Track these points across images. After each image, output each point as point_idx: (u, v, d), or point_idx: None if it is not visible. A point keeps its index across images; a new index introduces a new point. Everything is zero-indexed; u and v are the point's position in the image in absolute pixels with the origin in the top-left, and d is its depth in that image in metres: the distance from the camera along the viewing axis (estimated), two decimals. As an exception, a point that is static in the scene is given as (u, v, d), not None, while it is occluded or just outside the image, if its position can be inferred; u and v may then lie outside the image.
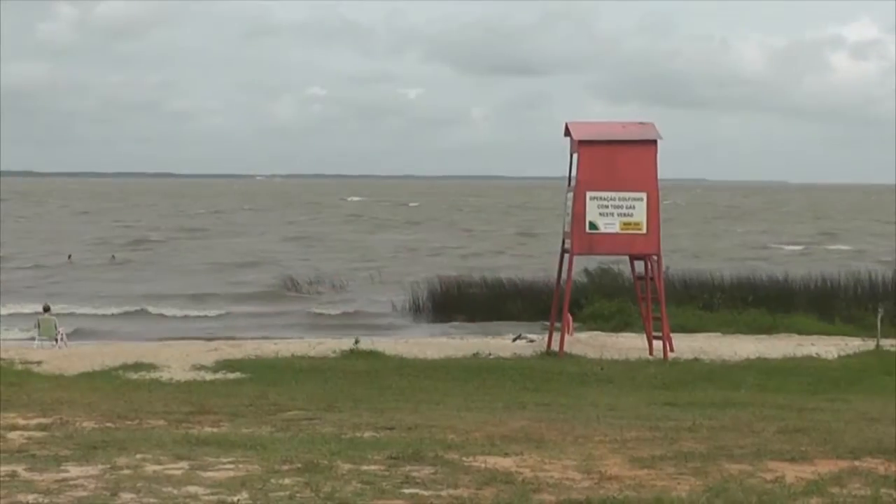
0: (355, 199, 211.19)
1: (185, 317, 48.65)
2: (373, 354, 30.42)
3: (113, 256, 76.90)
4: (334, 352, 30.91)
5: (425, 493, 10.30)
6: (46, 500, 9.43)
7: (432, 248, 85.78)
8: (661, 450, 13.09)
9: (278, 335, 40.31)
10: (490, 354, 31.01)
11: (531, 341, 34.67)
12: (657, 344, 31.50)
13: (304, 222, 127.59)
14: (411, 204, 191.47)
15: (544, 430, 15.16)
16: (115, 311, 48.67)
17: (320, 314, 49.11)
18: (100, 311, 48.42)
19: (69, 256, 76.09)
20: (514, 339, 35.80)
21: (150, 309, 49.46)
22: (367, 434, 14.86)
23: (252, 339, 37.93)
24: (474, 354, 31.01)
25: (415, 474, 11.07)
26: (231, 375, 26.62)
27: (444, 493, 10.35)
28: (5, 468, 10.96)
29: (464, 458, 12.15)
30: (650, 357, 30.92)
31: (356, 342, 32.11)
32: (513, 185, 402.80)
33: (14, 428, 15.72)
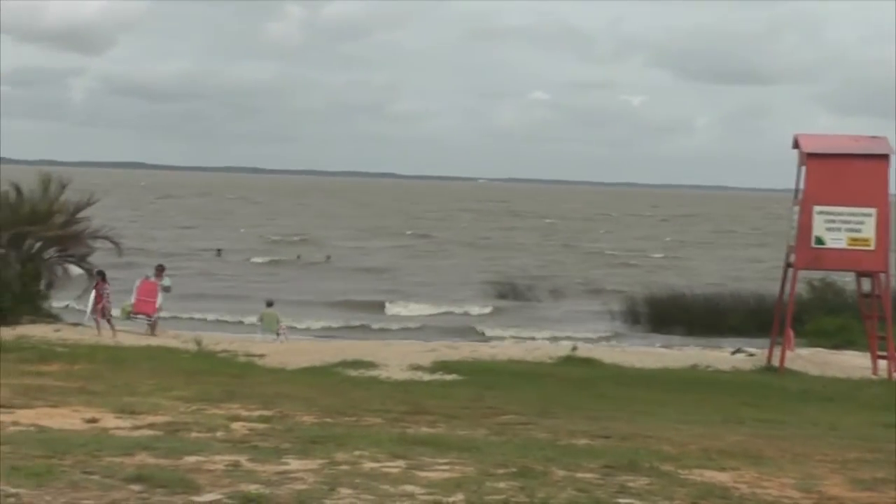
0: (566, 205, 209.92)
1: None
2: (589, 362, 30.28)
3: (218, 251, 79.10)
4: (550, 358, 30.87)
5: (640, 503, 10.20)
6: (268, 491, 9.60)
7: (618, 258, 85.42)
8: (884, 472, 12.72)
9: (496, 337, 40.76)
10: (708, 367, 30.60)
11: (751, 355, 34.10)
12: (882, 363, 30.66)
13: (495, 227, 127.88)
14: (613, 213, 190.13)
15: (762, 445, 14.88)
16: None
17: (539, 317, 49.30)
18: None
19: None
20: (734, 353, 35.27)
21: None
22: (582, 441, 14.79)
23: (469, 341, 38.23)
24: (692, 366, 30.63)
25: (630, 484, 10.96)
26: (447, 377, 26.76)
27: (659, 505, 10.23)
28: (229, 458, 11.21)
29: (680, 471, 11.99)
30: (874, 377, 30.10)
31: (573, 349, 32.06)
32: (735, 196, 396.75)
33: (237, 419, 16.11)
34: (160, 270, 36.15)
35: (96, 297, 33.65)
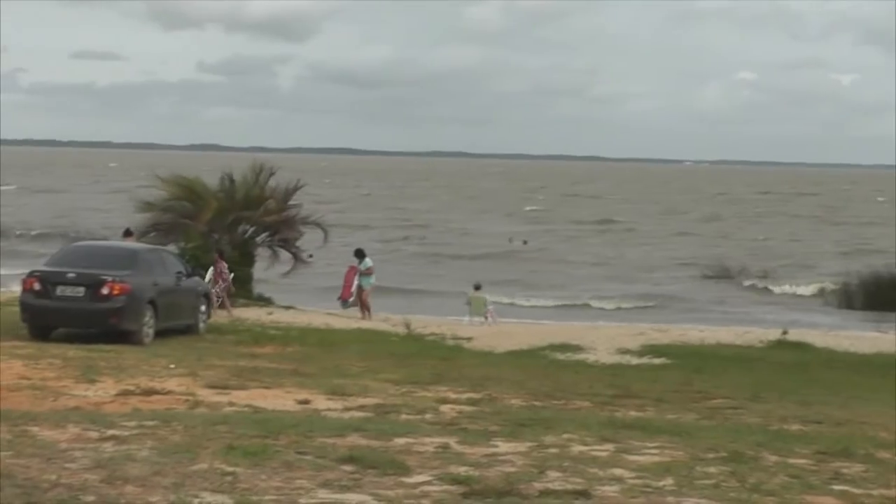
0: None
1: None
2: (801, 346, 29.73)
3: (510, 240, 78.04)
4: (761, 341, 30.41)
5: (855, 490, 9.94)
6: (477, 473, 9.63)
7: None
8: None
9: (711, 319, 40.49)
10: (926, 351, 29.75)
11: (971, 339, 33.04)
12: None
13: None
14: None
15: (984, 432, 14.41)
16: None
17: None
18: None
19: (523, 241, 76.89)
20: (952, 336, 34.22)
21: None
22: (794, 427, 14.55)
23: (679, 324, 37.88)
24: (909, 350, 29.82)
25: (844, 471, 10.70)
26: (656, 360, 26.55)
27: (875, 492, 9.95)
28: (438, 440, 11.29)
29: (897, 458, 11.68)
30: None
31: (784, 332, 31.51)
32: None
33: (446, 401, 16.27)
34: (360, 255, 36.66)
35: (214, 276, 32.84)
